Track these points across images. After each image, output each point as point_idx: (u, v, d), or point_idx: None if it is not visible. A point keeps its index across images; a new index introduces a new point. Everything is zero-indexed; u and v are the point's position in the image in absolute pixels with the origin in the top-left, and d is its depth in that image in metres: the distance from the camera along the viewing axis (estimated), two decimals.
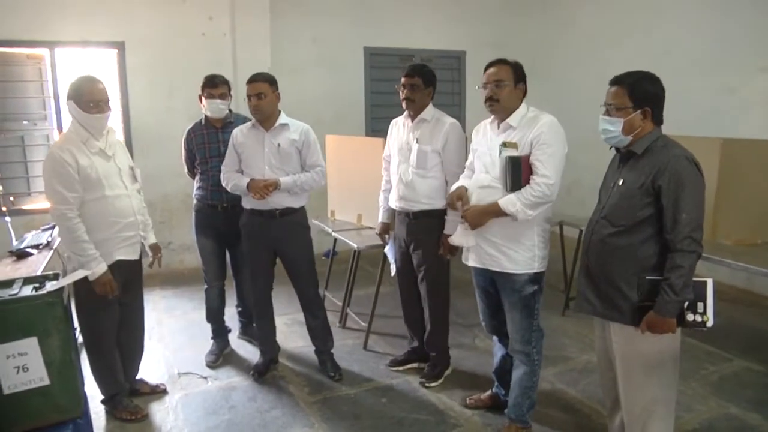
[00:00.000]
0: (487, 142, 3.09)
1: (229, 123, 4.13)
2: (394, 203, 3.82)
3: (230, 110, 4.22)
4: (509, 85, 2.95)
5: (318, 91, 6.92)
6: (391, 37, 7.18)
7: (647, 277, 2.46)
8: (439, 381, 3.92)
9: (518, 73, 2.99)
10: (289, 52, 6.72)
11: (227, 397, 3.78)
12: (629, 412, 2.66)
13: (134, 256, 3.44)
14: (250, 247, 3.90)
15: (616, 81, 2.54)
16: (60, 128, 6.03)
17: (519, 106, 2.99)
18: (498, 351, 3.47)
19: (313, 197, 6.64)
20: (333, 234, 4.78)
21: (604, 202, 2.65)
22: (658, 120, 2.53)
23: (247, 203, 3.82)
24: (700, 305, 2.43)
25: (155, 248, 3.67)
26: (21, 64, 6.00)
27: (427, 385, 3.88)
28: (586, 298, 2.69)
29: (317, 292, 4.07)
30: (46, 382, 2.47)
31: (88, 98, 3.17)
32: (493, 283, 3.16)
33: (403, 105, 3.65)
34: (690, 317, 2.44)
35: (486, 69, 3.02)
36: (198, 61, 5.95)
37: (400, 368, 4.12)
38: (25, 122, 6.10)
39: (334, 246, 5.18)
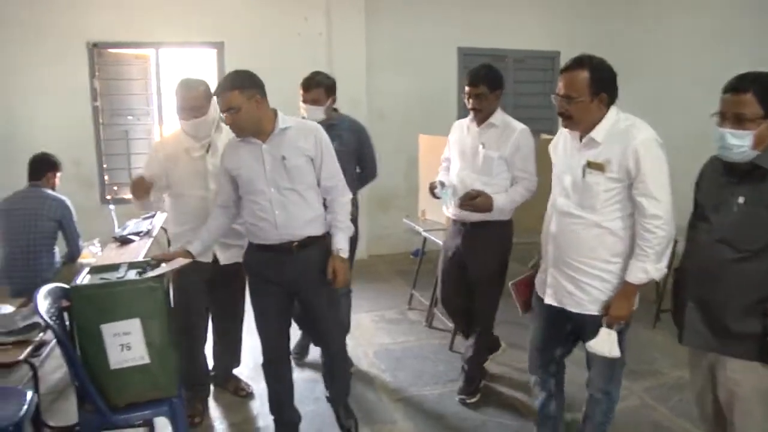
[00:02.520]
0: (567, 159, 2.64)
1: (330, 125, 3.58)
2: (451, 212, 3.57)
3: (335, 110, 3.90)
4: (583, 101, 2.45)
5: (410, 91, 6.94)
6: (485, 38, 7.11)
7: None
8: (478, 396, 3.73)
9: (598, 81, 2.45)
10: (384, 51, 6.77)
11: (312, 389, 3.82)
12: None
13: (203, 258, 3.21)
14: (255, 292, 3.12)
15: (741, 87, 2.16)
16: (161, 123, 6.33)
17: (602, 115, 2.49)
18: (541, 391, 3.00)
19: (403, 196, 6.75)
20: (423, 233, 4.79)
21: (716, 222, 2.28)
22: None
23: (253, 236, 3.03)
24: None
25: None
26: (128, 63, 6.37)
27: (468, 401, 3.69)
28: (697, 330, 2.35)
29: (342, 343, 3.39)
30: (147, 361, 2.57)
31: (178, 104, 3.28)
32: (569, 315, 2.70)
33: (471, 114, 3.48)
34: None
35: (561, 73, 2.55)
36: (294, 61, 6.06)
37: None
38: (129, 117, 6.45)
39: (424, 245, 5.18)
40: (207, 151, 3.33)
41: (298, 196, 2.90)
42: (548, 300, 2.71)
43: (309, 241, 2.96)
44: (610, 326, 2.49)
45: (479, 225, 3.44)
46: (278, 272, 2.97)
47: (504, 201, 3.32)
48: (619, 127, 2.46)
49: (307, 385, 3.87)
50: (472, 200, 3.26)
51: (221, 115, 2.92)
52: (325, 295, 3.06)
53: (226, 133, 3.41)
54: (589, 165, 2.49)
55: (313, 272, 2.98)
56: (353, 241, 3.14)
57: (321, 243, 3.00)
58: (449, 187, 3.49)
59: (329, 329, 3.17)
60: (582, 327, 2.66)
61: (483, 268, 3.50)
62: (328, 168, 2.97)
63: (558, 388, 2.96)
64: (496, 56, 7.05)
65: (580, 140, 2.56)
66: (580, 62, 2.47)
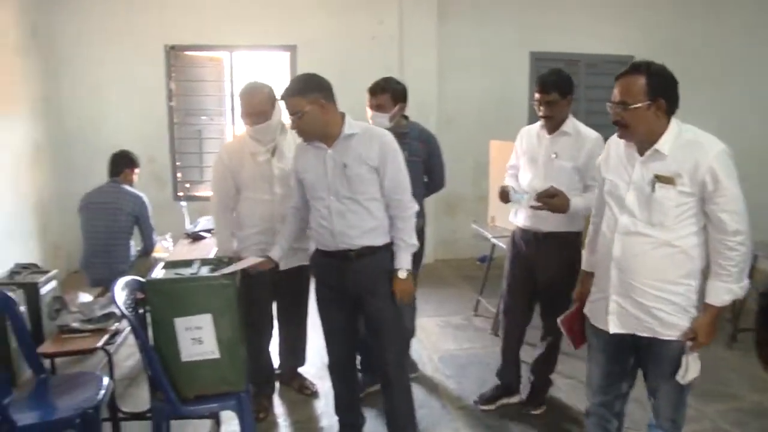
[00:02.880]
0: (626, 175, 2.42)
1: (400, 134, 3.38)
2: (521, 221, 3.43)
3: (406, 117, 3.74)
4: (640, 107, 2.27)
5: (481, 96, 6.87)
6: (558, 42, 6.98)
7: None
8: (543, 408, 3.64)
9: (655, 87, 2.27)
10: (456, 55, 6.73)
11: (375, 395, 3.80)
12: None
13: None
14: (319, 296, 3.08)
15: None
16: (234, 124, 6.48)
17: (661, 125, 2.31)
18: None
19: (471, 201, 6.71)
20: (492, 240, 4.74)
21: None
22: None
23: (316, 241, 3.02)
24: None
25: None
26: (203, 65, 6.57)
27: (532, 412, 3.60)
28: None
29: (401, 362, 3.11)
30: (217, 355, 2.63)
31: (242, 110, 3.30)
32: (634, 344, 2.49)
33: (541, 121, 3.32)
34: None
35: (616, 79, 2.37)
36: (366, 64, 6.10)
37: (492, 407, 3.68)
38: (203, 117, 6.66)
39: (492, 252, 5.12)
40: (272, 154, 3.34)
41: (358, 205, 2.80)
42: (614, 329, 2.47)
43: (368, 251, 2.84)
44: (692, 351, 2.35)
45: (551, 236, 3.30)
46: (339, 279, 2.92)
47: (580, 204, 3.12)
48: (685, 138, 2.29)
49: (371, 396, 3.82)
50: (550, 198, 3.08)
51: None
52: (387, 308, 2.91)
53: (292, 136, 3.39)
54: (658, 179, 2.29)
55: (373, 282, 2.88)
56: (418, 252, 3.06)
57: (383, 253, 2.88)
58: (526, 193, 3.32)
59: (389, 344, 2.97)
60: (648, 351, 2.46)
61: (553, 277, 3.35)
62: (391, 179, 2.79)
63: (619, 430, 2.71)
64: (568, 60, 6.93)
65: (641, 153, 2.36)
66: (637, 67, 2.31)
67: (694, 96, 2.35)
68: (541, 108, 3.24)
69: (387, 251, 2.89)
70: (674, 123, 2.31)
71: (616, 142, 2.48)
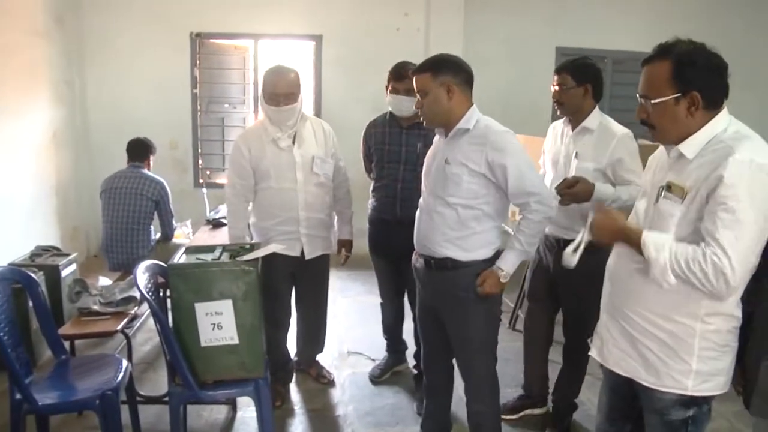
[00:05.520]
0: (653, 179, 2.01)
1: (418, 124, 3.18)
2: None
3: None
4: (663, 102, 1.81)
5: (506, 90, 6.75)
6: (585, 38, 6.85)
7: None
8: None
9: (686, 74, 1.77)
10: (481, 49, 6.60)
11: (394, 381, 3.82)
12: None
13: (290, 252, 3.27)
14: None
15: None
16: (256, 112, 6.48)
17: (697, 124, 1.81)
18: None
19: None
20: (512, 234, 4.68)
21: None
22: None
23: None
24: None
25: (340, 243, 3.72)
26: (228, 54, 6.57)
27: None
28: None
29: (486, 392, 2.88)
30: (236, 341, 2.63)
31: (270, 90, 3.21)
32: (632, 386, 2.05)
33: (565, 117, 3.05)
34: None
35: (641, 66, 1.93)
36: (390, 55, 5.95)
37: (514, 416, 3.42)
38: (226, 105, 6.67)
39: None
40: (293, 142, 3.32)
41: (446, 207, 2.54)
42: (592, 352, 2.14)
43: (450, 264, 2.57)
44: None
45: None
46: (421, 284, 2.79)
47: (607, 191, 2.75)
48: (721, 139, 1.78)
49: (389, 378, 3.85)
50: (570, 188, 2.74)
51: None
52: (467, 325, 2.62)
53: (311, 123, 3.45)
54: (669, 187, 1.85)
55: (450, 299, 2.63)
56: None
57: (465, 270, 2.55)
58: None
59: (467, 369, 2.79)
60: (642, 399, 2.04)
61: (578, 293, 2.95)
62: (511, 183, 2.46)
63: None
64: (594, 56, 6.81)
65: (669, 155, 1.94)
66: (664, 50, 1.83)
67: (731, 100, 2.02)
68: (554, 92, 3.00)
69: (474, 269, 2.55)
70: (720, 118, 1.82)
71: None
